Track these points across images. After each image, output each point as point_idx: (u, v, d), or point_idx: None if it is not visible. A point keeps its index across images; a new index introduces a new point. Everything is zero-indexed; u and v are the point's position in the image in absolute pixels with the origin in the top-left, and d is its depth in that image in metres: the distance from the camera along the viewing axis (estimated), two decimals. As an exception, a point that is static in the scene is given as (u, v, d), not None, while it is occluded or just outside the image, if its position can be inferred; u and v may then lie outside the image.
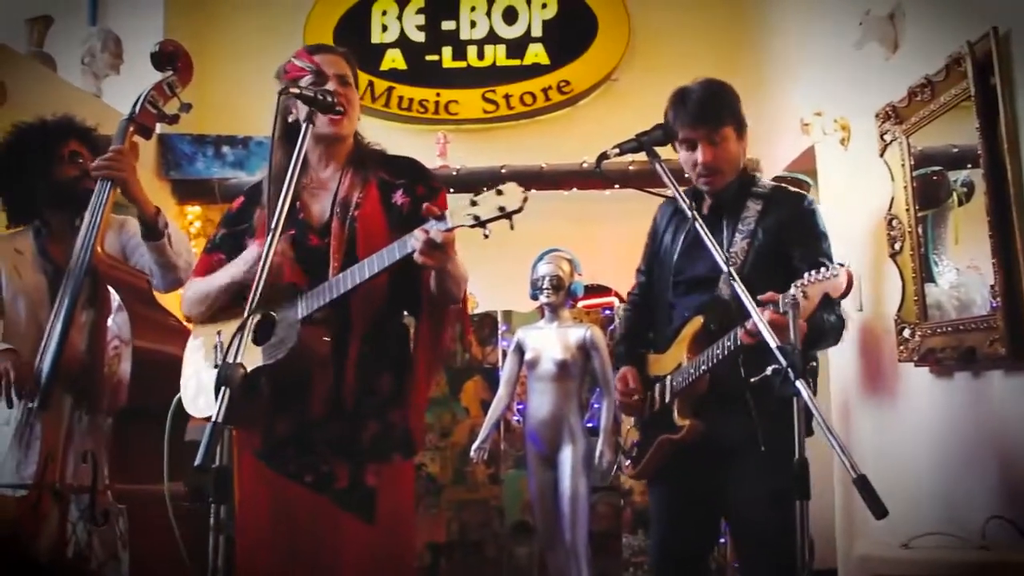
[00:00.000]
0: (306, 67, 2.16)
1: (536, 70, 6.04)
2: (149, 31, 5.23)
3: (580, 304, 4.79)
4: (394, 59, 6.10)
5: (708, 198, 2.51)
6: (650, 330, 2.66)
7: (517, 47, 6.09)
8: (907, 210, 3.21)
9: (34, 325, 2.62)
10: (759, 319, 1.79)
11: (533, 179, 5.23)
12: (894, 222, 3.28)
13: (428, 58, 6.12)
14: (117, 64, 4.95)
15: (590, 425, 4.23)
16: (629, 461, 2.61)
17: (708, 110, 2.44)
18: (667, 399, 2.44)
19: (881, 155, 3.35)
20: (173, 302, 2.64)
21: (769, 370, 1.69)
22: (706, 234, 2.00)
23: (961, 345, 2.82)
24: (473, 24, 6.12)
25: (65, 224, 2.74)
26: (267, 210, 1.94)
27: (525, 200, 1.77)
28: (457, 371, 4.93)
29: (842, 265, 2.04)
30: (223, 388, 1.61)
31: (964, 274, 3.05)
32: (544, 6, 6.09)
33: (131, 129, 2.66)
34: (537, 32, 6.08)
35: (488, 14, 6.12)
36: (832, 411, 4.00)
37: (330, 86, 2.13)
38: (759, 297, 1.99)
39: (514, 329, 4.54)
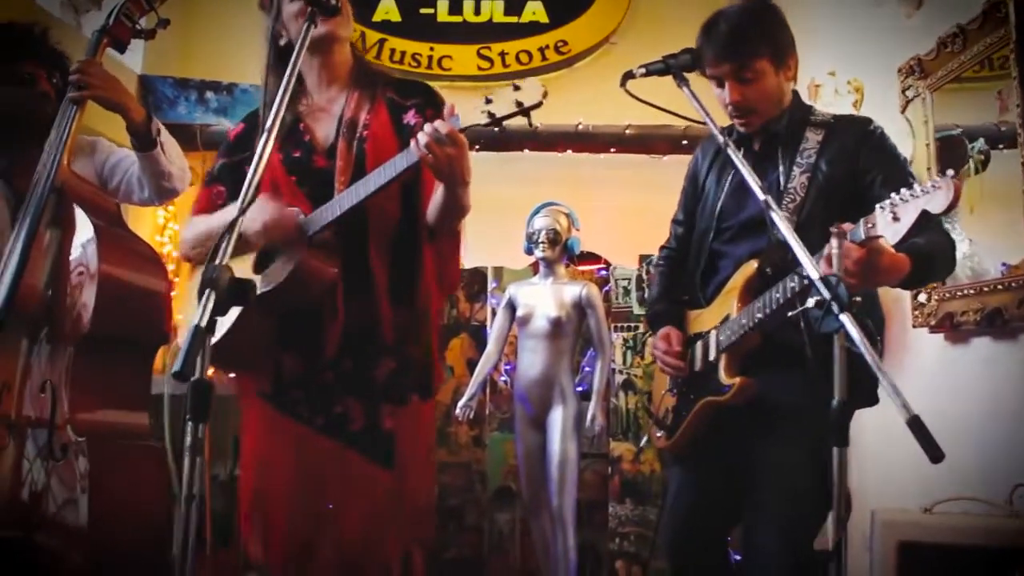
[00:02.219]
0: None
1: (534, 28, 5.85)
2: (133, -33, 5.02)
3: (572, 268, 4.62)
4: (387, 10, 5.88)
5: (757, 134, 2.24)
6: (688, 285, 2.37)
7: (515, 4, 5.90)
8: (928, 169, 3.06)
9: None
10: (803, 253, 1.61)
11: (527, 139, 5.08)
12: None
13: (423, 11, 5.91)
14: (99, -1, 4.72)
15: (580, 389, 4.06)
16: (662, 432, 2.31)
17: (736, 43, 2.13)
18: (712, 357, 2.14)
19: (902, 111, 3.20)
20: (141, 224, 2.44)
21: (811, 302, 1.51)
22: (740, 162, 1.81)
23: (985, 307, 2.67)
24: (471, -22, 5.94)
25: (29, 149, 2.52)
26: (260, 115, 1.85)
27: (545, 95, 1.64)
28: (443, 328, 4.70)
29: (945, 175, 1.63)
30: (207, 291, 1.44)
31: (977, 244, 2.92)
32: (544, -37, 5.91)
33: (104, 41, 2.47)
34: (537, -11, 5.91)
35: (486, -32, 5.93)
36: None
37: None
38: (831, 228, 1.70)
39: (504, 286, 4.38)
